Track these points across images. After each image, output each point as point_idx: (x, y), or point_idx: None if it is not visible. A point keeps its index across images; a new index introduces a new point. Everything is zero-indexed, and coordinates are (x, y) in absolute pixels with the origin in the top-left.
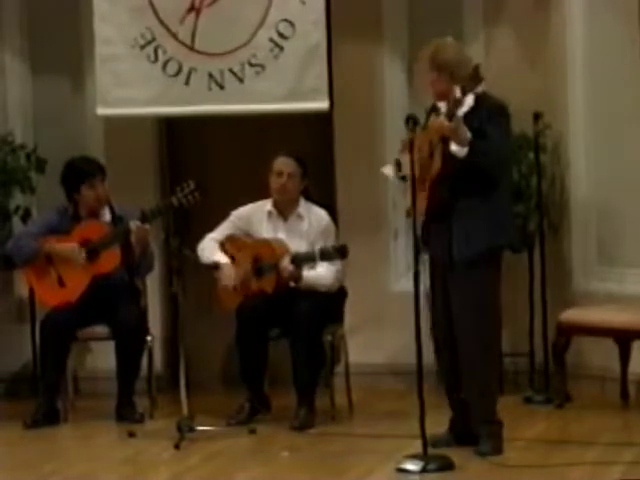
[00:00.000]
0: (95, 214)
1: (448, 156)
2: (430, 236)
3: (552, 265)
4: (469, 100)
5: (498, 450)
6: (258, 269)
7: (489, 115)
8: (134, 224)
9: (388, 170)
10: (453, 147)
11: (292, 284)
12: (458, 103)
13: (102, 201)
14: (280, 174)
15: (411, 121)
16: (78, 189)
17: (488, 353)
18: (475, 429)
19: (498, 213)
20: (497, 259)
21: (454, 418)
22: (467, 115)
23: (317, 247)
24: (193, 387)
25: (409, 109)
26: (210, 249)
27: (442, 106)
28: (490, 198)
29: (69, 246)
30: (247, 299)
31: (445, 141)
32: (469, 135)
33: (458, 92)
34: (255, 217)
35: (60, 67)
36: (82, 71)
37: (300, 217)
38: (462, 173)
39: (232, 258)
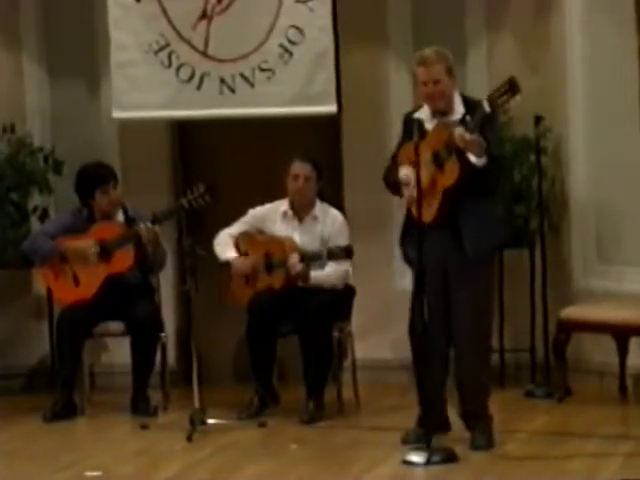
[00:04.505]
0: (109, 216)
1: (465, 167)
2: (425, 240)
3: (553, 264)
4: (460, 107)
5: (491, 444)
6: (268, 265)
7: (483, 120)
8: (144, 226)
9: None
10: (472, 158)
11: (300, 283)
12: (485, 118)
13: (115, 205)
14: (297, 177)
15: (417, 126)
16: (92, 195)
17: (488, 350)
18: (468, 423)
19: (498, 212)
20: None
21: (424, 415)
22: (461, 120)
23: (325, 247)
24: (205, 381)
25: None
26: (224, 244)
27: (424, 115)
28: (491, 198)
29: (83, 242)
30: (258, 295)
31: (459, 152)
32: (485, 145)
33: (487, 106)
34: (270, 217)
35: (76, 71)
36: (98, 75)
37: (315, 218)
38: (475, 180)
39: (245, 254)
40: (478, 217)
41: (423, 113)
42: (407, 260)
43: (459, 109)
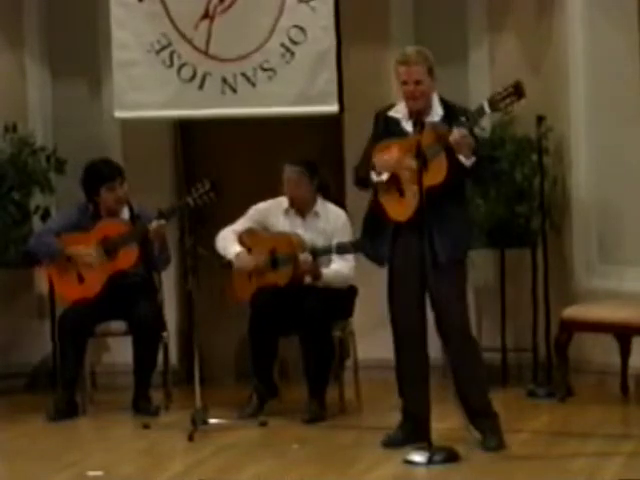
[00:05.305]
0: (114, 214)
1: (456, 166)
2: (400, 241)
3: (554, 263)
4: (439, 109)
5: (502, 444)
6: (274, 261)
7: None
8: (153, 223)
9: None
10: (462, 159)
11: (308, 279)
12: (482, 114)
13: (121, 202)
14: (288, 181)
15: (419, 124)
16: (98, 191)
17: (475, 345)
18: (475, 424)
19: (469, 217)
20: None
21: (407, 419)
22: (443, 120)
23: (334, 241)
24: (207, 381)
25: None
26: (228, 240)
27: (400, 114)
28: (464, 203)
29: (85, 251)
30: (261, 291)
31: (448, 152)
32: (474, 145)
33: (487, 106)
34: (272, 212)
35: (79, 71)
36: (100, 75)
37: (317, 215)
38: (456, 181)
39: (249, 250)
40: (452, 219)
41: (399, 112)
42: (369, 257)
43: (437, 110)
